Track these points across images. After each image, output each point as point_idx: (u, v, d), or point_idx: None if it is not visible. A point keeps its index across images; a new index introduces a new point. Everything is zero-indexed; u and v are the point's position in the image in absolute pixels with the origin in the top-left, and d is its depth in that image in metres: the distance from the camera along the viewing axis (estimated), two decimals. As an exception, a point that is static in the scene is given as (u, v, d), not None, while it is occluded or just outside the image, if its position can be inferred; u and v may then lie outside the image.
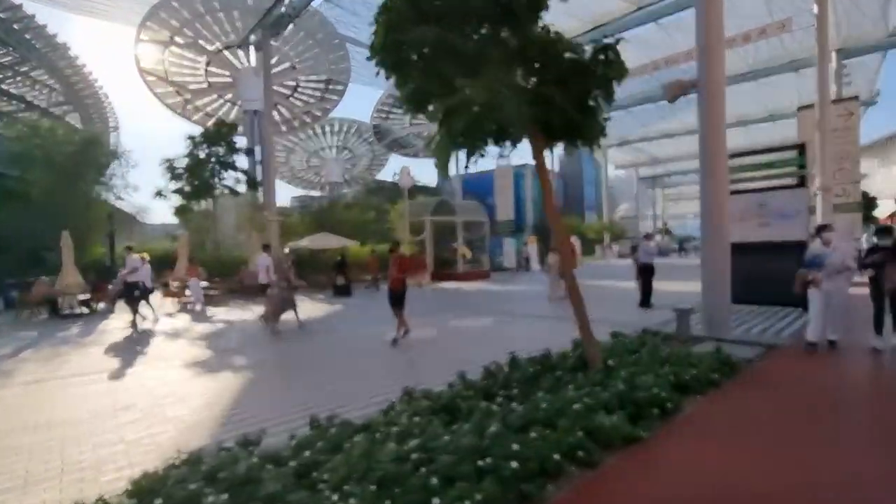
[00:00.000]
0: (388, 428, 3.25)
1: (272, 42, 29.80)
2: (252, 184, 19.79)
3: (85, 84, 44.83)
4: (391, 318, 7.37)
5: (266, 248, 12.53)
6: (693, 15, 7.34)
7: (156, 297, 14.70)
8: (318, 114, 43.60)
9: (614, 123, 39.69)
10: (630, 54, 19.17)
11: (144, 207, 27.37)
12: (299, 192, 59.63)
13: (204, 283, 16.07)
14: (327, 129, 54.18)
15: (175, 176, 18.41)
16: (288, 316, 8.91)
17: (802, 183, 8.52)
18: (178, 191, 18.57)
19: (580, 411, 3.35)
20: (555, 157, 61.98)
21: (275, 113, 42.13)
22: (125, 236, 30.19)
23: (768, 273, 8.93)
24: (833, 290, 5.58)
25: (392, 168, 61.07)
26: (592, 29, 20.87)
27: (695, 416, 3.77)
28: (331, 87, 38.91)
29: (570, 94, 3.96)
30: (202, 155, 18.61)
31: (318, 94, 40.00)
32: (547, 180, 4.63)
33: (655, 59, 19.71)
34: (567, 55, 4.10)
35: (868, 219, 34.80)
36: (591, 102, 4.21)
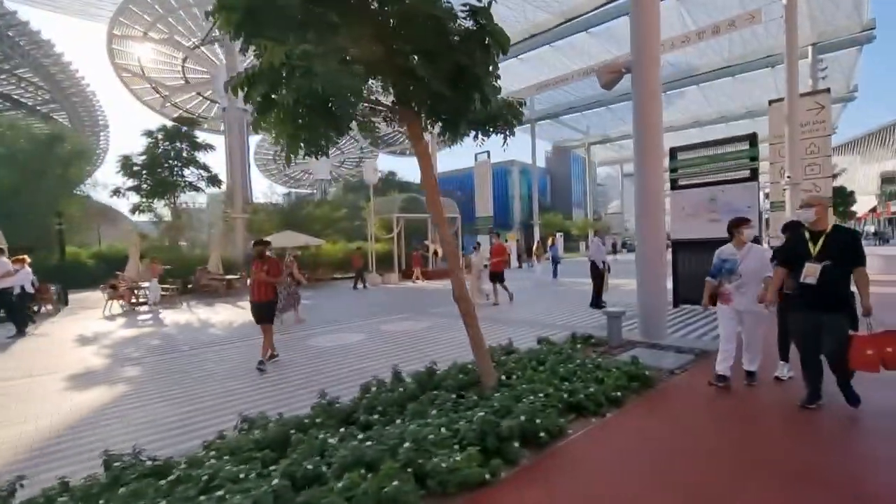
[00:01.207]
0: (189, 471, 2.69)
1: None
2: (214, 180, 19.05)
3: (71, 82, 44.02)
4: (315, 325, 6.79)
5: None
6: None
7: (101, 298, 14.06)
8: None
9: (596, 120, 39.58)
10: (598, 49, 18.63)
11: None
12: (290, 189, 58.90)
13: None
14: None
15: (132, 173, 17.65)
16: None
17: (754, 176, 8.06)
18: (134, 188, 17.81)
19: (425, 447, 2.81)
20: (542, 153, 62.01)
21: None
22: (112, 234, 29.48)
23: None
24: (746, 305, 4.22)
25: (380, 166, 60.44)
26: (565, 21, 20.41)
27: (566, 450, 3.21)
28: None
29: (435, 64, 3.40)
30: (159, 151, 17.86)
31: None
32: (428, 169, 4.08)
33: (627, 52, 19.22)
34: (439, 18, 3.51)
35: (845, 214, 34.89)
36: (471, 78, 3.63)
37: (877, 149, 61.58)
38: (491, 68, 3.76)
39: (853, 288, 3.57)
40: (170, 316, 11.70)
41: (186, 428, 3.98)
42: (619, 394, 3.96)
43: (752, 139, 8.12)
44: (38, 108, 44.58)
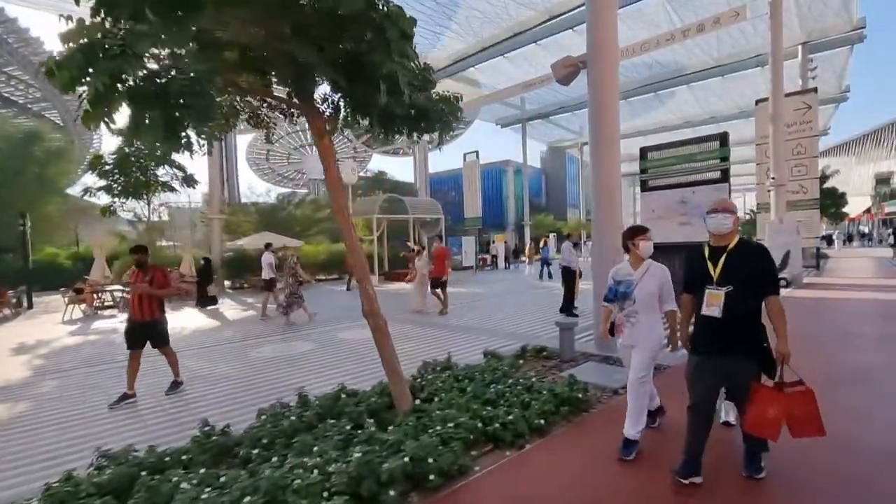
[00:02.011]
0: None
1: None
2: (189, 180, 18.53)
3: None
4: (270, 332, 6.34)
5: (268, 246, 12.63)
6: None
7: (61, 301, 13.60)
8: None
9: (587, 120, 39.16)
10: (585, 47, 18.25)
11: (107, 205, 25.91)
12: (283, 189, 58.44)
13: (118, 287, 14.99)
14: (306, 126, 53.11)
15: (102, 173, 17.11)
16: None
17: (724, 177, 7.65)
18: (105, 188, 17.28)
19: (283, 498, 2.39)
20: (538, 153, 61.65)
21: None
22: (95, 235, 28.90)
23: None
24: (636, 340, 3.24)
25: (373, 166, 59.99)
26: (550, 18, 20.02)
27: (463, 494, 2.76)
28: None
29: (322, 51, 2.97)
30: (132, 149, 17.32)
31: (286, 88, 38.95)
32: (332, 169, 3.66)
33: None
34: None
35: (837, 215, 34.57)
36: (368, 66, 3.20)
37: (872, 149, 61.45)
38: (398, 57, 3.33)
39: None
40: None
41: (51, 462, 3.54)
42: (542, 421, 3.55)
43: (723, 139, 7.71)
44: (30, 106, 44.13)
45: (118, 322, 11.29)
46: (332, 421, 3.41)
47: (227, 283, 19.08)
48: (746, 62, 24.52)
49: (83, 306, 12.98)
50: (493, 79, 27.16)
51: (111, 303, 14.25)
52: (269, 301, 11.07)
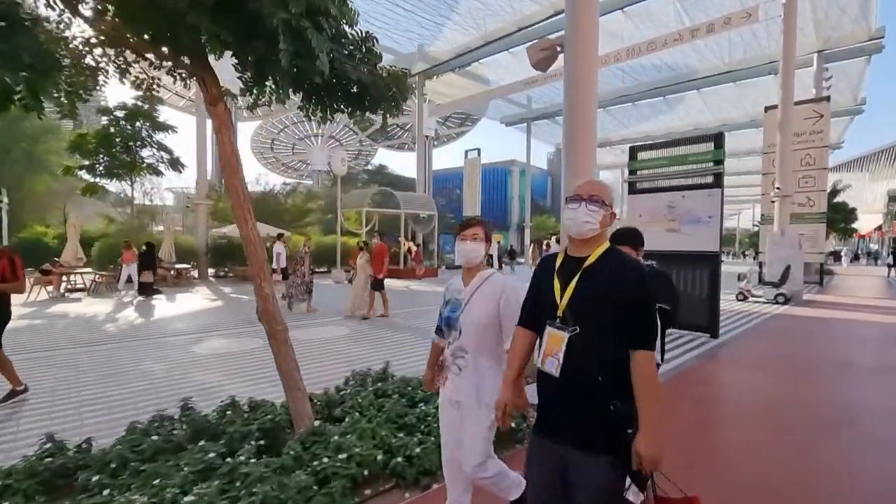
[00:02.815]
0: None
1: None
2: (173, 163, 18.07)
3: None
4: (230, 325, 5.77)
5: (280, 236, 12.76)
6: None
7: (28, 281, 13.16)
8: (296, 98, 42.08)
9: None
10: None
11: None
12: (290, 179, 58.06)
13: (88, 269, 14.59)
14: (311, 116, 52.77)
15: (84, 152, 16.69)
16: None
17: (718, 182, 7.02)
18: (87, 168, 16.85)
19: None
20: (545, 154, 60.90)
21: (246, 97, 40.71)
22: (86, 214, 28.64)
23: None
24: (462, 395, 2.13)
25: (379, 159, 59.45)
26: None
27: None
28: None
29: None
30: (116, 129, 16.89)
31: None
32: (226, 142, 3.10)
33: (620, 48, 18.14)
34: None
35: (846, 231, 33.57)
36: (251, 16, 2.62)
37: (886, 167, 60.08)
38: (295, 7, 2.74)
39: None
40: (89, 307, 10.76)
41: None
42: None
43: (718, 139, 7.08)
44: None
45: (81, 307, 10.83)
46: (203, 443, 2.84)
47: (210, 270, 18.62)
48: (759, 69, 23.70)
49: (49, 288, 12.52)
50: (497, 74, 26.53)
51: (82, 285, 13.82)
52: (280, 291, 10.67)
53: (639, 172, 7.96)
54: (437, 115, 33.50)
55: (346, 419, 3.39)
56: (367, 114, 4.23)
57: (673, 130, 35.17)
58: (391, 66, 4.04)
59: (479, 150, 31.45)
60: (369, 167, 50.92)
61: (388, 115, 4.21)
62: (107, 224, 23.12)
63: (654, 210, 7.67)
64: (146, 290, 12.39)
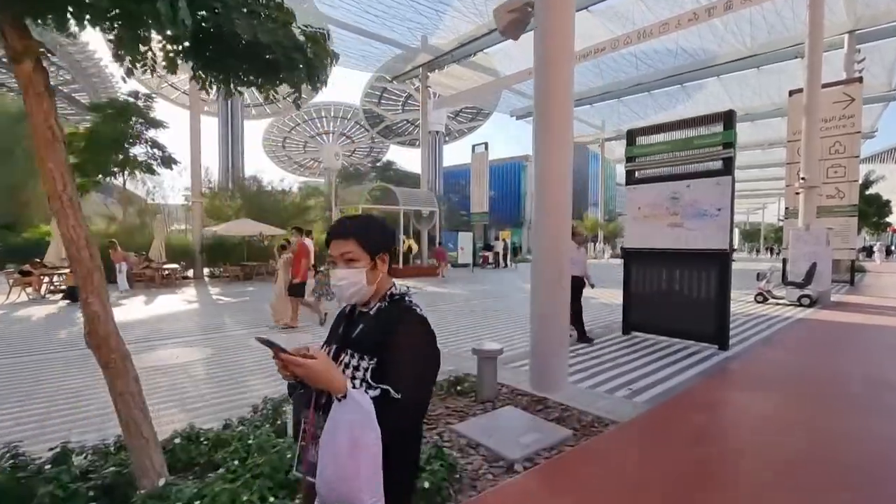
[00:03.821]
0: None
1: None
2: (166, 161, 17.62)
3: (90, 62, 44.08)
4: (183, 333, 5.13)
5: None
6: None
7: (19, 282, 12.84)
8: (305, 96, 41.86)
9: (609, 114, 37.05)
10: (601, 29, 16.48)
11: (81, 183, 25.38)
12: (303, 178, 58.04)
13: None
14: (323, 113, 52.65)
15: (73, 150, 16.37)
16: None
17: (727, 169, 6.03)
18: (77, 167, 16.52)
19: None
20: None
21: (254, 94, 40.63)
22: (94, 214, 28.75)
23: (677, 294, 6.51)
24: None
25: (390, 156, 58.72)
26: None
27: None
28: (312, 66, 37.21)
29: None
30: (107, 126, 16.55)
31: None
32: (39, 113, 2.35)
33: (630, 31, 16.99)
34: None
35: (879, 225, 31.46)
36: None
37: (924, 157, 56.87)
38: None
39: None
40: (64, 311, 10.28)
41: None
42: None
43: (728, 119, 6.08)
44: (61, 87, 44.72)
45: (58, 308, 10.39)
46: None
47: (206, 270, 18.16)
48: (784, 52, 22.10)
49: (30, 290, 12.15)
50: (505, 66, 25.52)
51: (65, 287, 13.45)
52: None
53: (637, 160, 7.00)
54: (442, 108, 32.66)
55: (221, 469, 2.63)
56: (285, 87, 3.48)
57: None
58: (307, 27, 3.25)
59: (486, 144, 30.52)
60: (378, 164, 50.46)
61: (301, 86, 3.40)
62: (108, 224, 22.97)
63: (655, 202, 6.71)
64: (70, 294, 11.49)
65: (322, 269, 8.58)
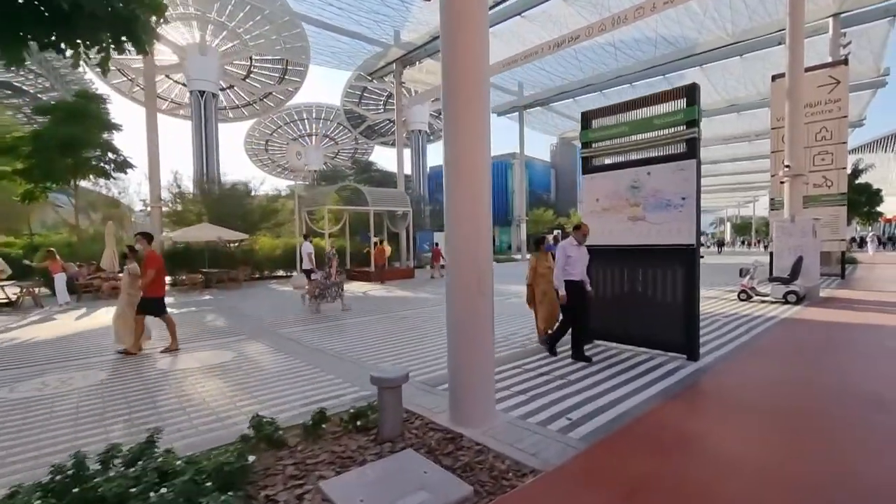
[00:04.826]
0: None
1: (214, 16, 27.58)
2: (120, 166, 16.70)
3: (68, 70, 43.00)
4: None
5: (306, 237, 13.39)
6: None
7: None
8: (282, 97, 40.92)
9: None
10: (576, 17, 15.60)
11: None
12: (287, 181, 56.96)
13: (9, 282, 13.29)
14: (305, 115, 51.69)
15: (19, 156, 15.40)
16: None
17: (692, 152, 5.20)
18: (22, 172, 15.55)
19: None
20: (547, 146, 58.73)
21: (230, 96, 39.59)
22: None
23: (640, 296, 5.68)
24: None
25: (374, 156, 57.52)
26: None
27: None
28: (290, 67, 36.33)
29: None
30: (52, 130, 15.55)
31: (276, 75, 37.46)
32: None
33: (605, 17, 16.19)
34: None
35: (870, 215, 30.87)
36: None
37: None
38: None
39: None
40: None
41: None
42: None
43: (690, 93, 5.25)
44: (40, 95, 43.57)
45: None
46: None
47: (167, 278, 17.14)
48: (768, 39, 21.41)
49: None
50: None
51: (5, 299, 12.47)
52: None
53: (594, 145, 6.17)
54: (417, 104, 31.89)
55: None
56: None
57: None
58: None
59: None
60: (356, 164, 49.65)
61: (110, 50, 2.57)
62: (70, 233, 21.94)
63: (614, 193, 5.88)
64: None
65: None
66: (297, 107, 49.33)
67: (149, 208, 17.51)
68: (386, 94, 41.58)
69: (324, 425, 3.55)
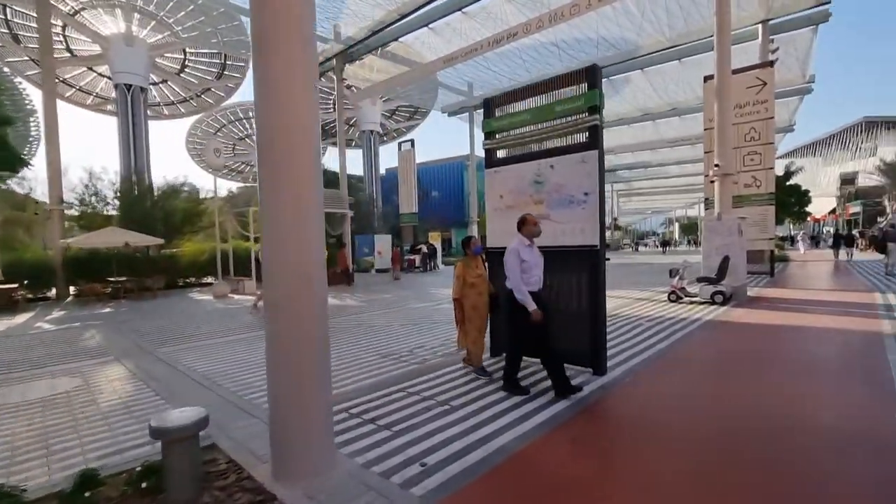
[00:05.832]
0: None
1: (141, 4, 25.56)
2: (7, 162, 14.75)
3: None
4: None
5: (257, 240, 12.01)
6: None
7: None
8: (222, 94, 38.75)
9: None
10: (516, 14, 14.99)
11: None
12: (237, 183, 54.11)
13: None
14: (251, 113, 49.37)
15: None
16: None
17: (594, 142, 4.64)
18: None
19: None
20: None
21: (164, 92, 37.04)
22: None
23: (547, 305, 5.03)
24: None
25: (325, 159, 55.19)
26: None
27: None
28: (229, 63, 34.39)
29: None
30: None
31: (215, 70, 35.37)
32: None
33: (542, 13, 15.88)
34: None
35: (800, 214, 32.45)
36: None
37: (838, 150, 60.62)
38: None
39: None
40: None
41: None
42: None
43: (591, 75, 4.69)
44: None
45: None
46: None
47: (72, 288, 15.33)
48: (703, 43, 21.86)
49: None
50: (423, 55, 24.03)
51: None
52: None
53: (498, 136, 5.54)
54: (362, 99, 30.98)
55: None
56: None
57: (622, 116, 33.45)
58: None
59: (412, 141, 29.16)
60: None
61: None
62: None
63: (518, 188, 5.25)
64: None
65: None
66: (243, 104, 47.06)
67: (48, 210, 15.61)
68: (335, 93, 40.25)
69: (99, 489, 2.66)
